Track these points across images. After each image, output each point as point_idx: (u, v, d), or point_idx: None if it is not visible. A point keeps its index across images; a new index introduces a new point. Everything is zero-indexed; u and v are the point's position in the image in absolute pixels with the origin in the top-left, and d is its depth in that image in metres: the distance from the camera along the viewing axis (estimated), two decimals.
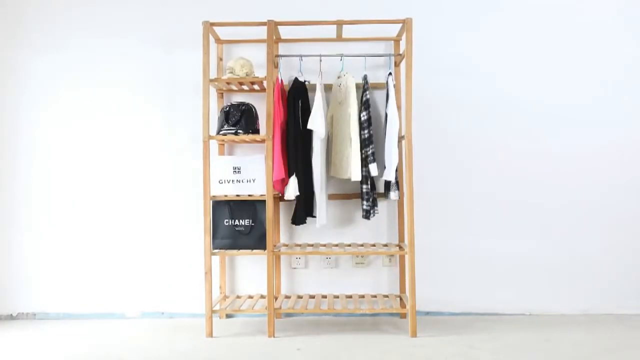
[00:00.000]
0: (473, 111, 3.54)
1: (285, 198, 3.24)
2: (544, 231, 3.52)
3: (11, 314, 3.60)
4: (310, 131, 3.26)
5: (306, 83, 3.35)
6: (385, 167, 3.24)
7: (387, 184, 3.34)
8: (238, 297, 3.53)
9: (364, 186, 3.25)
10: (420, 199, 3.41)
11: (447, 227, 3.54)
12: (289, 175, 3.22)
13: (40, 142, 3.62)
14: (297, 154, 3.25)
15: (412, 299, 3.07)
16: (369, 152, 3.21)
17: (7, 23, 3.61)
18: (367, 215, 3.24)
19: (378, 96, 3.29)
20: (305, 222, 3.36)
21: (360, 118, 3.22)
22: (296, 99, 3.29)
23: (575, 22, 3.54)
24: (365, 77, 3.26)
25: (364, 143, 3.21)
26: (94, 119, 3.61)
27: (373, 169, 3.21)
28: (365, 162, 3.21)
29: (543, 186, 3.52)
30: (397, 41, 3.51)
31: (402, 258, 3.46)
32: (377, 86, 3.46)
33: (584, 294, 3.51)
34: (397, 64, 3.47)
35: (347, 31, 3.44)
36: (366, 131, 3.20)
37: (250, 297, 3.51)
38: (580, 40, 3.54)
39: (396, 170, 3.22)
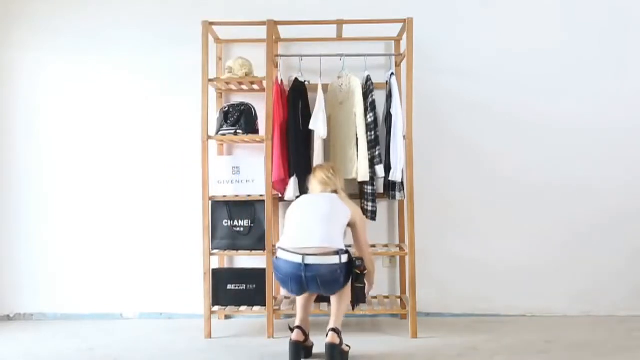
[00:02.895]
0: (474, 111, 3.52)
1: (286, 199, 3.21)
2: (545, 232, 3.50)
3: (8, 315, 3.58)
4: (310, 131, 3.23)
5: (306, 83, 3.33)
6: (390, 168, 3.22)
7: (391, 185, 3.31)
8: None
9: (369, 187, 3.22)
10: (420, 200, 3.39)
11: (448, 228, 3.52)
12: (290, 176, 3.20)
13: (38, 143, 3.60)
14: (297, 154, 3.23)
15: (413, 300, 3.05)
16: (376, 154, 3.19)
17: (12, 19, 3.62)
18: (374, 216, 3.23)
19: (377, 96, 3.28)
20: None
21: (367, 119, 3.20)
22: (296, 99, 3.26)
23: (578, 19, 3.53)
24: (369, 78, 3.24)
25: (370, 144, 3.19)
26: (92, 120, 3.59)
27: (380, 170, 3.19)
28: (371, 164, 3.19)
29: (544, 187, 3.50)
30: (397, 41, 3.50)
31: (402, 259, 3.44)
32: (377, 86, 3.43)
33: (585, 295, 3.49)
34: (397, 64, 3.46)
35: (348, 31, 3.43)
36: (372, 132, 3.19)
37: None
38: (582, 37, 3.52)
39: (402, 171, 3.19)
